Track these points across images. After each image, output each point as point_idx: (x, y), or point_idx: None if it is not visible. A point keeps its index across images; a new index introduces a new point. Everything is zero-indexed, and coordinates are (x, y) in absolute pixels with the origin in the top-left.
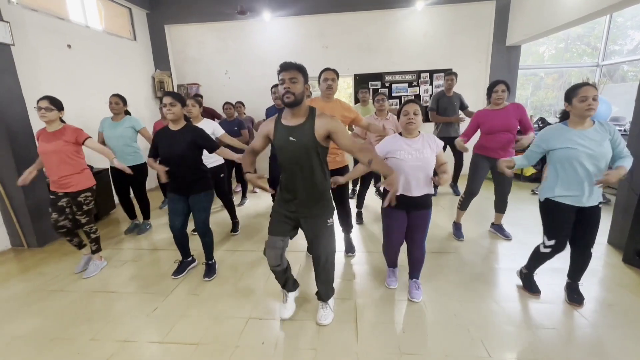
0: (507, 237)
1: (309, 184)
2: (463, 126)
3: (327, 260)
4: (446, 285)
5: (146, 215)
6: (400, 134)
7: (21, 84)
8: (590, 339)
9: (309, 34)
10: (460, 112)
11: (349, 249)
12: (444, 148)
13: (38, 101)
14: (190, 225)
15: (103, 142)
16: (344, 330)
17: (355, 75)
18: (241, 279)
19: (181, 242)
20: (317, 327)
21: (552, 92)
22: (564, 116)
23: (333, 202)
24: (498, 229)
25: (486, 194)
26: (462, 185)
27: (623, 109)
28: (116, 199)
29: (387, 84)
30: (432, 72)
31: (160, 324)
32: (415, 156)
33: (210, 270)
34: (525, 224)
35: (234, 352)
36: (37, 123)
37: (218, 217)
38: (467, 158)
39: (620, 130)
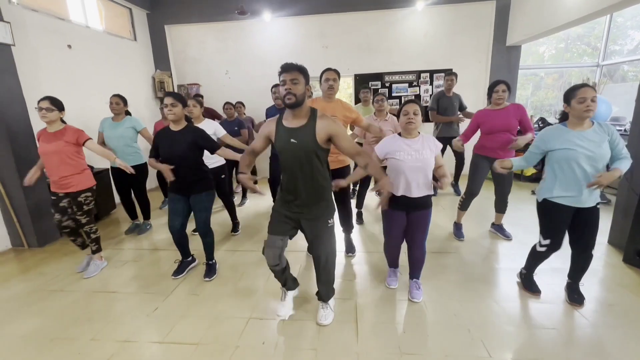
0: (507, 237)
1: (309, 185)
2: (463, 126)
3: (328, 261)
4: (446, 285)
5: (146, 215)
6: (399, 134)
7: (22, 84)
8: (591, 339)
9: (309, 34)
10: (458, 112)
11: (350, 249)
12: (444, 148)
13: (39, 101)
14: (191, 226)
15: (103, 142)
16: (344, 331)
17: (356, 76)
18: (241, 279)
19: (180, 242)
20: (318, 327)
21: (552, 92)
22: (563, 117)
23: (334, 202)
24: (498, 229)
25: (486, 194)
26: (462, 185)
27: (623, 109)
28: (116, 199)
29: (387, 84)
30: (432, 72)
31: (161, 324)
32: (415, 157)
33: (210, 270)
34: (525, 224)
35: (235, 352)
36: (37, 123)
37: (219, 217)
38: (468, 158)
39: (620, 130)
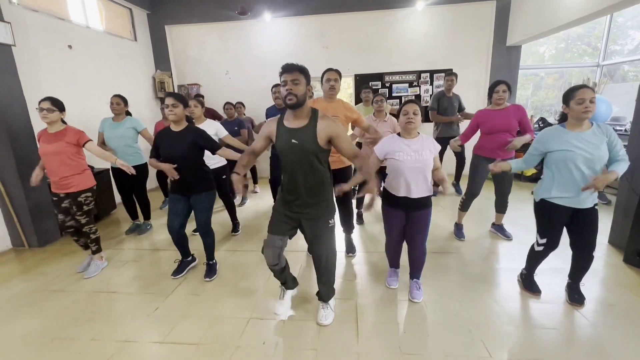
0: (507, 237)
1: (310, 185)
2: (463, 126)
3: (328, 261)
4: (447, 285)
5: (147, 215)
6: (399, 134)
7: (22, 85)
8: (591, 339)
9: (309, 34)
10: (457, 113)
11: (350, 249)
12: (445, 148)
13: (40, 102)
14: (191, 226)
15: (103, 143)
16: (344, 331)
17: (356, 76)
18: (242, 279)
19: (180, 242)
20: (318, 327)
21: (552, 92)
22: (563, 118)
23: (335, 202)
24: (499, 229)
25: (487, 194)
26: (463, 185)
27: (624, 109)
28: (117, 199)
29: (387, 84)
30: (432, 72)
31: (161, 324)
32: (414, 157)
33: (211, 270)
34: (525, 224)
35: (235, 352)
36: (38, 123)
37: (219, 217)
38: (468, 158)
39: (620, 130)
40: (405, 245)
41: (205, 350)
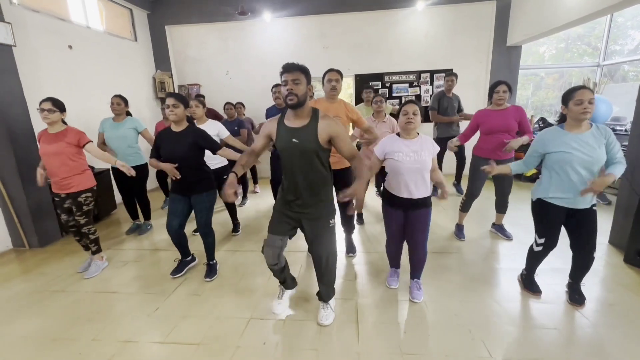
0: (508, 237)
1: (310, 185)
2: (463, 126)
3: (328, 261)
4: (447, 285)
5: (147, 215)
6: (398, 134)
7: (23, 85)
8: (591, 338)
9: (309, 34)
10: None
11: (350, 249)
12: (444, 148)
13: (40, 103)
14: (191, 226)
15: (103, 143)
16: (345, 331)
17: (356, 76)
18: (242, 280)
19: (179, 242)
20: (318, 327)
21: (552, 92)
22: (562, 119)
23: (336, 203)
24: (499, 229)
25: (487, 194)
26: (464, 185)
27: (624, 109)
28: (117, 200)
29: (387, 84)
30: (432, 73)
31: (162, 324)
32: (413, 158)
33: (211, 270)
34: (526, 224)
35: (235, 352)
36: (38, 124)
37: (219, 217)
38: (469, 157)
39: (621, 130)
40: (405, 246)
41: (205, 350)
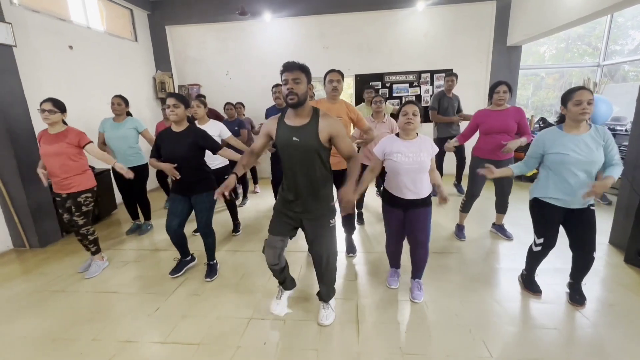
0: (508, 237)
1: (311, 184)
2: (463, 126)
3: (329, 261)
4: (448, 285)
5: (147, 216)
6: (397, 134)
7: (23, 85)
8: (592, 339)
9: (309, 34)
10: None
11: (350, 249)
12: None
13: (41, 103)
14: (191, 226)
15: (104, 143)
16: (345, 331)
17: (356, 76)
18: (242, 280)
19: (178, 242)
20: (319, 327)
21: (553, 92)
22: (561, 119)
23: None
24: (499, 229)
25: (487, 194)
26: (464, 185)
27: (624, 109)
28: (118, 200)
29: (387, 84)
30: (432, 73)
31: (162, 324)
32: (412, 159)
33: (211, 270)
34: (526, 224)
35: (236, 352)
36: (39, 124)
37: (219, 217)
38: (469, 157)
39: (621, 131)
40: (406, 245)
41: (206, 350)
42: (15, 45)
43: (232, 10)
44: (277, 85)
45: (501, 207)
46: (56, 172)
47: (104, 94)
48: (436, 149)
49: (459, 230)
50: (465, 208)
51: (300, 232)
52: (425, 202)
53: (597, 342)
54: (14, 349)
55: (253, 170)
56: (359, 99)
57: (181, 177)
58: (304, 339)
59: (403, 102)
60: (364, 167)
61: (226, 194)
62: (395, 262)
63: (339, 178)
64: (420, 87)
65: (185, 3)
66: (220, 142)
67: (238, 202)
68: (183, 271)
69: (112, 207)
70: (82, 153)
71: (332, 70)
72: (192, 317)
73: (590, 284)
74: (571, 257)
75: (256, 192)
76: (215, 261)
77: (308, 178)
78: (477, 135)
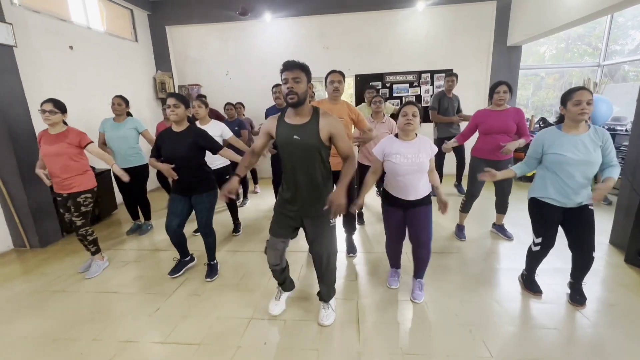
0: (508, 237)
1: (311, 184)
2: (463, 126)
3: (329, 261)
4: (448, 285)
5: (147, 216)
6: (396, 135)
7: (23, 85)
8: (592, 339)
9: (309, 34)
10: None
11: (351, 249)
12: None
13: (42, 104)
14: (191, 226)
15: (104, 143)
16: (345, 331)
17: (356, 76)
18: (243, 280)
19: (178, 242)
20: (319, 327)
21: (553, 92)
22: (560, 119)
23: None
24: (499, 229)
25: (487, 194)
26: (465, 185)
27: (624, 109)
28: (118, 200)
29: (388, 85)
30: (433, 73)
31: (163, 324)
32: (411, 160)
33: (212, 270)
34: (526, 224)
35: (236, 352)
36: (39, 124)
37: (220, 217)
38: (469, 157)
39: (621, 131)
40: (407, 245)
41: (206, 350)
42: (15, 45)
43: (232, 11)
44: (277, 85)
45: (501, 207)
46: (57, 172)
47: (104, 94)
48: (435, 150)
49: (459, 230)
50: (465, 208)
51: (301, 232)
52: (425, 201)
53: (597, 342)
54: (14, 349)
55: (253, 171)
56: (359, 99)
57: (181, 177)
58: (304, 339)
59: (403, 102)
60: (363, 167)
61: (232, 196)
62: (395, 262)
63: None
64: (420, 87)
65: (185, 3)
66: (221, 142)
67: (238, 202)
68: (182, 271)
69: (113, 207)
70: (83, 153)
71: (333, 71)
72: (192, 317)
73: (591, 284)
74: (571, 258)
75: (256, 192)
76: (215, 261)
77: (308, 177)
78: (476, 135)
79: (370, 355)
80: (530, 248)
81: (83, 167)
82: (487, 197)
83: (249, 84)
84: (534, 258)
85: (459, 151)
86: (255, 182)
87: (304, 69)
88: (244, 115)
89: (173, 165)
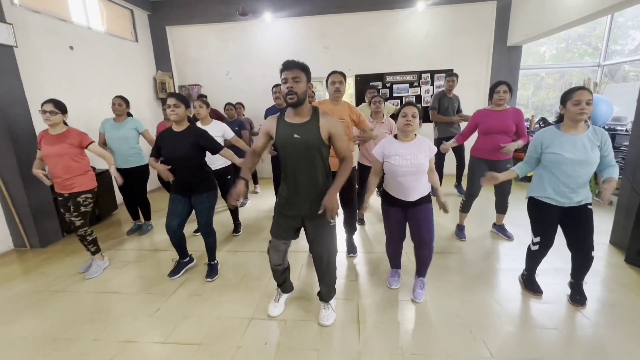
0: (508, 237)
1: (311, 183)
2: (463, 126)
3: (330, 261)
4: (448, 285)
5: (147, 216)
6: (395, 136)
7: (24, 85)
8: (592, 339)
9: (309, 34)
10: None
11: (351, 249)
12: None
13: (42, 104)
14: (192, 227)
15: (104, 143)
16: (346, 331)
17: (357, 76)
18: (243, 280)
19: (178, 242)
20: (320, 327)
21: (553, 92)
22: (559, 119)
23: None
24: (500, 229)
25: (487, 194)
26: (465, 185)
27: (625, 109)
28: (118, 200)
29: (388, 85)
30: (433, 73)
31: (163, 324)
32: (410, 161)
33: (212, 270)
34: (526, 224)
35: (237, 352)
36: (39, 124)
37: (220, 217)
38: (467, 158)
39: (622, 131)
40: (406, 246)
41: (206, 350)
42: (16, 45)
43: (233, 11)
44: (277, 86)
45: (501, 207)
46: (58, 172)
47: (104, 94)
48: (434, 150)
49: (459, 231)
50: (465, 208)
51: (301, 232)
52: (425, 200)
53: (597, 342)
54: (14, 349)
55: (253, 173)
56: (359, 99)
57: (181, 177)
58: (304, 339)
59: (403, 102)
60: (363, 167)
61: (242, 200)
62: (395, 262)
63: None
64: (420, 87)
65: (185, 3)
66: (223, 142)
67: (239, 203)
68: (182, 273)
69: (113, 207)
70: (84, 154)
71: (334, 72)
72: (192, 317)
73: (591, 284)
74: (571, 258)
75: (256, 192)
76: (216, 261)
77: (309, 177)
78: (475, 135)
79: (370, 355)
80: (529, 248)
81: (84, 168)
82: (487, 197)
83: (249, 84)
84: (533, 258)
85: (458, 151)
86: (256, 182)
87: (303, 68)
88: (244, 115)
89: (170, 167)
